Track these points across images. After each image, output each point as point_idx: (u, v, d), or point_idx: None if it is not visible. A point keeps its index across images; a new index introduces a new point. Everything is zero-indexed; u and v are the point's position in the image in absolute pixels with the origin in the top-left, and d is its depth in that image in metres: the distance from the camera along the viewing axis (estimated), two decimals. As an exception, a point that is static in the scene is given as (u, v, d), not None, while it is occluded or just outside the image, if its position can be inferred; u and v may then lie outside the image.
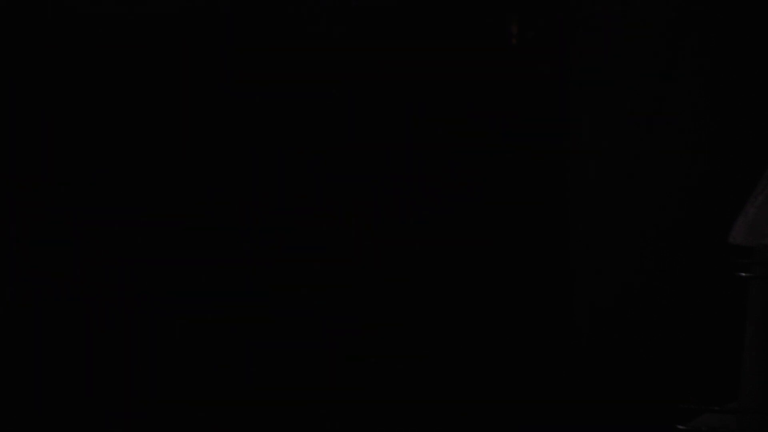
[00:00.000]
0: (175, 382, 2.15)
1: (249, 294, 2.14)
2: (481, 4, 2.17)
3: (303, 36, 2.17)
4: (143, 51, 2.15)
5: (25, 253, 2.14)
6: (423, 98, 2.16)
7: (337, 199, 2.16)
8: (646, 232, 2.09)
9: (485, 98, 2.15)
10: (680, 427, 1.38)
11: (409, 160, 2.15)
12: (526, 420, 2.11)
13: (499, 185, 2.16)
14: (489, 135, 2.15)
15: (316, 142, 2.16)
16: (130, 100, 2.16)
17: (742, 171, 1.74)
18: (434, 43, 2.15)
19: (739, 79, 2.01)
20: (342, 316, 2.15)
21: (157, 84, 2.16)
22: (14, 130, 2.13)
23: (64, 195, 2.14)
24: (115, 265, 2.15)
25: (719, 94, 2.03)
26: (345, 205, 2.16)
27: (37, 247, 2.14)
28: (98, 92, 2.16)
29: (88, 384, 2.14)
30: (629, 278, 2.10)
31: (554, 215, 2.15)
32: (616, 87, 2.10)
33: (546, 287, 2.15)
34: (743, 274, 1.34)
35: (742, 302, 1.36)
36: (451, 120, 2.15)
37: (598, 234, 2.12)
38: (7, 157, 2.13)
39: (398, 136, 2.16)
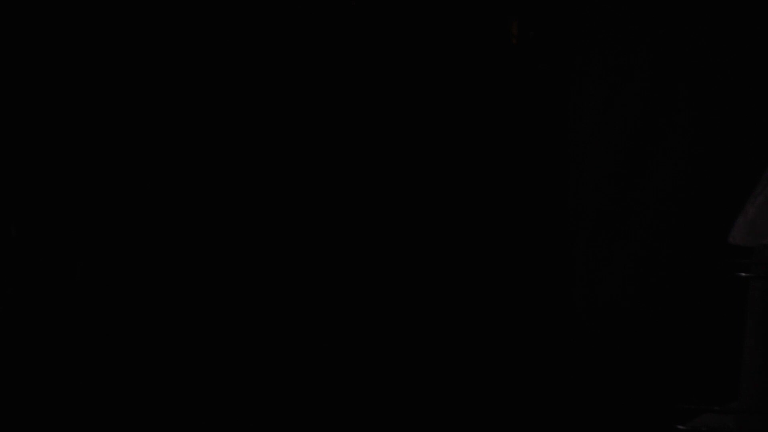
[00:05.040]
0: (175, 381, 2.15)
1: (248, 293, 2.14)
2: (481, 4, 2.17)
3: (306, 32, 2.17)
4: (142, 48, 2.15)
5: (25, 253, 2.14)
6: (422, 98, 2.16)
7: (336, 199, 2.16)
8: (646, 231, 2.09)
9: (485, 98, 2.15)
10: (680, 427, 1.38)
11: (409, 160, 2.15)
12: (526, 420, 2.11)
13: (499, 184, 2.16)
14: (489, 134, 2.15)
15: (316, 141, 2.16)
16: (129, 98, 2.16)
17: (742, 171, 1.74)
18: (434, 42, 2.15)
19: (739, 79, 2.01)
20: (341, 315, 2.15)
21: (155, 81, 2.16)
22: (14, 129, 2.13)
23: (63, 194, 2.14)
24: (114, 264, 2.15)
25: (720, 94, 2.03)
26: (344, 204, 2.16)
27: (37, 247, 2.14)
28: (95, 90, 2.16)
29: (87, 383, 2.14)
30: (629, 278, 2.10)
31: (554, 215, 2.15)
32: (616, 87, 2.10)
33: (546, 287, 2.15)
34: (743, 274, 1.34)
35: (742, 302, 1.36)
36: (451, 120, 2.15)
37: (598, 234, 2.12)
38: (7, 156, 2.13)
39: (397, 135, 2.16)
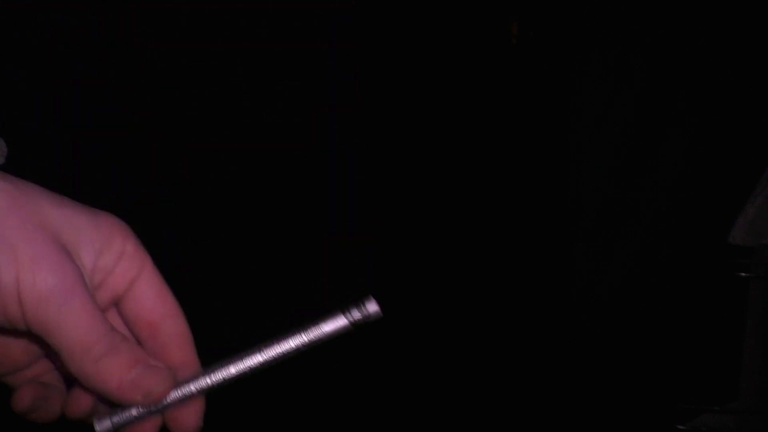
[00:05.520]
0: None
1: (247, 290, 2.15)
2: (481, 4, 2.17)
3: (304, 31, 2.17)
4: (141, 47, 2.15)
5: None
6: (422, 97, 2.16)
7: (336, 196, 2.16)
8: (646, 231, 2.09)
9: (485, 98, 2.15)
10: (680, 427, 1.38)
11: (408, 159, 2.16)
12: (525, 420, 2.11)
13: (498, 184, 2.16)
14: (489, 134, 2.15)
15: (315, 140, 2.17)
16: (125, 94, 2.16)
17: (742, 171, 1.74)
18: (434, 42, 2.16)
19: (739, 79, 2.01)
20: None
21: (150, 76, 2.16)
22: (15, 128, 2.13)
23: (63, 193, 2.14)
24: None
25: (720, 94, 2.03)
26: (343, 202, 2.16)
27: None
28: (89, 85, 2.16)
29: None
30: (629, 277, 2.10)
31: (554, 214, 2.15)
32: (616, 87, 2.10)
33: (545, 288, 2.16)
34: (743, 274, 1.34)
35: (742, 302, 1.36)
36: (450, 119, 2.16)
37: (598, 233, 2.12)
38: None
39: (396, 135, 2.16)
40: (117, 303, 0.73)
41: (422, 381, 2.14)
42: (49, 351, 0.68)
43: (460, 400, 2.13)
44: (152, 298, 0.74)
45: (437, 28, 2.17)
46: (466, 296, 2.16)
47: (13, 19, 2.13)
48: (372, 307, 0.74)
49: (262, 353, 0.75)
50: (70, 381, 0.72)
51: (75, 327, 0.64)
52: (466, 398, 2.13)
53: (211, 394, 0.76)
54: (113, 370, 0.65)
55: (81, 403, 0.71)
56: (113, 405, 0.69)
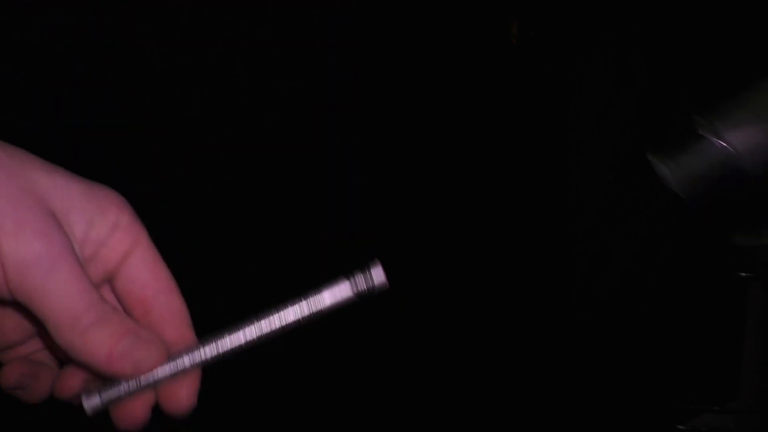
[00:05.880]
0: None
1: (247, 291, 2.15)
2: (481, 4, 2.17)
3: (306, 30, 2.17)
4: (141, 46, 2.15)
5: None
6: (422, 97, 2.16)
7: (336, 196, 2.16)
8: (646, 231, 2.09)
9: (485, 98, 2.15)
10: (680, 427, 1.38)
11: (408, 159, 2.16)
12: (525, 420, 2.11)
13: (499, 184, 2.16)
14: (489, 134, 2.15)
15: (315, 140, 2.17)
16: (125, 93, 2.16)
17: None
18: (434, 42, 2.16)
19: (739, 79, 2.01)
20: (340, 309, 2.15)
21: (151, 75, 2.16)
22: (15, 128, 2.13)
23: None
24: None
25: (719, 94, 2.03)
26: (344, 201, 2.16)
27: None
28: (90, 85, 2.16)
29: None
30: (629, 277, 2.10)
31: (554, 214, 2.15)
32: (616, 87, 2.10)
33: (545, 288, 2.15)
34: (743, 274, 1.34)
35: (742, 302, 1.36)
36: (450, 119, 2.15)
37: (598, 233, 2.12)
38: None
39: (396, 135, 2.16)
40: (110, 279, 0.69)
41: (422, 380, 2.14)
42: (38, 325, 0.65)
43: (459, 399, 2.13)
44: (145, 273, 0.70)
45: (437, 28, 2.17)
46: (466, 296, 2.16)
47: (13, 19, 2.13)
48: (377, 273, 0.70)
49: (261, 324, 0.71)
50: (63, 361, 0.70)
51: (62, 295, 0.60)
52: (466, 397, 2.13)
53: (206, 371, 0.72)
54: (102, 340, 0.62)
55: (71, 382, 0.68)
56: (104, 381, 0.66)
